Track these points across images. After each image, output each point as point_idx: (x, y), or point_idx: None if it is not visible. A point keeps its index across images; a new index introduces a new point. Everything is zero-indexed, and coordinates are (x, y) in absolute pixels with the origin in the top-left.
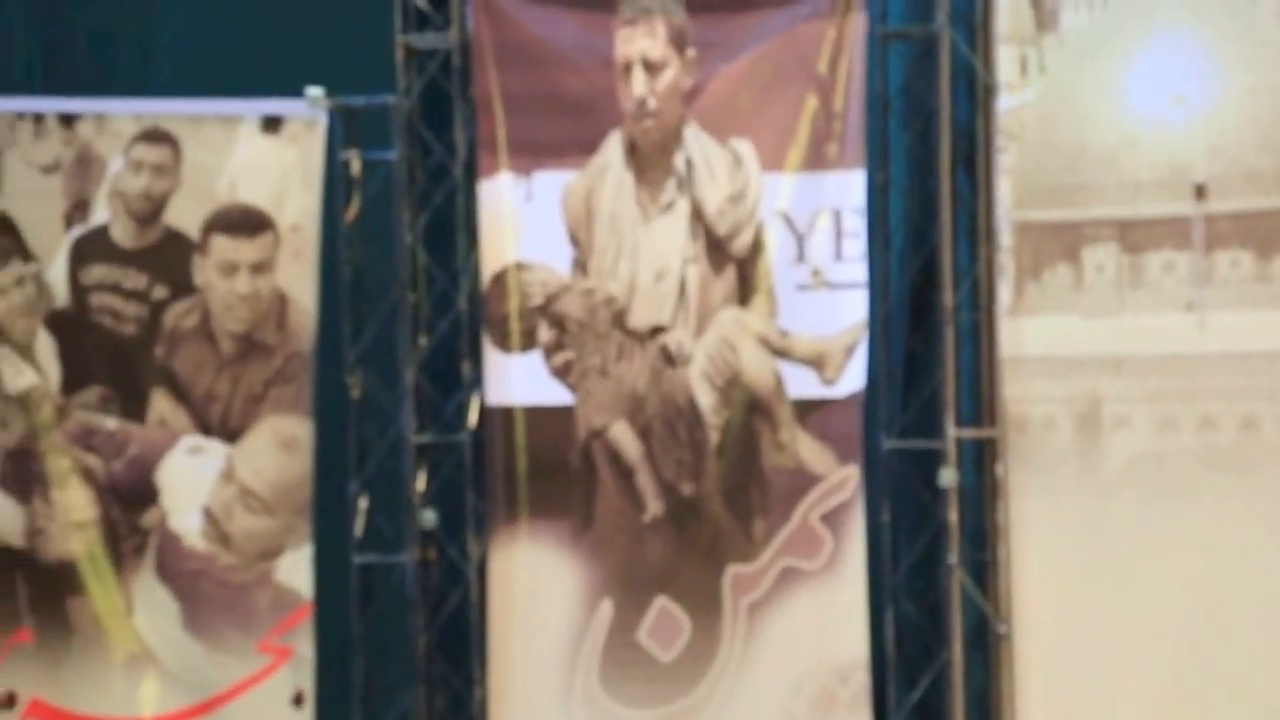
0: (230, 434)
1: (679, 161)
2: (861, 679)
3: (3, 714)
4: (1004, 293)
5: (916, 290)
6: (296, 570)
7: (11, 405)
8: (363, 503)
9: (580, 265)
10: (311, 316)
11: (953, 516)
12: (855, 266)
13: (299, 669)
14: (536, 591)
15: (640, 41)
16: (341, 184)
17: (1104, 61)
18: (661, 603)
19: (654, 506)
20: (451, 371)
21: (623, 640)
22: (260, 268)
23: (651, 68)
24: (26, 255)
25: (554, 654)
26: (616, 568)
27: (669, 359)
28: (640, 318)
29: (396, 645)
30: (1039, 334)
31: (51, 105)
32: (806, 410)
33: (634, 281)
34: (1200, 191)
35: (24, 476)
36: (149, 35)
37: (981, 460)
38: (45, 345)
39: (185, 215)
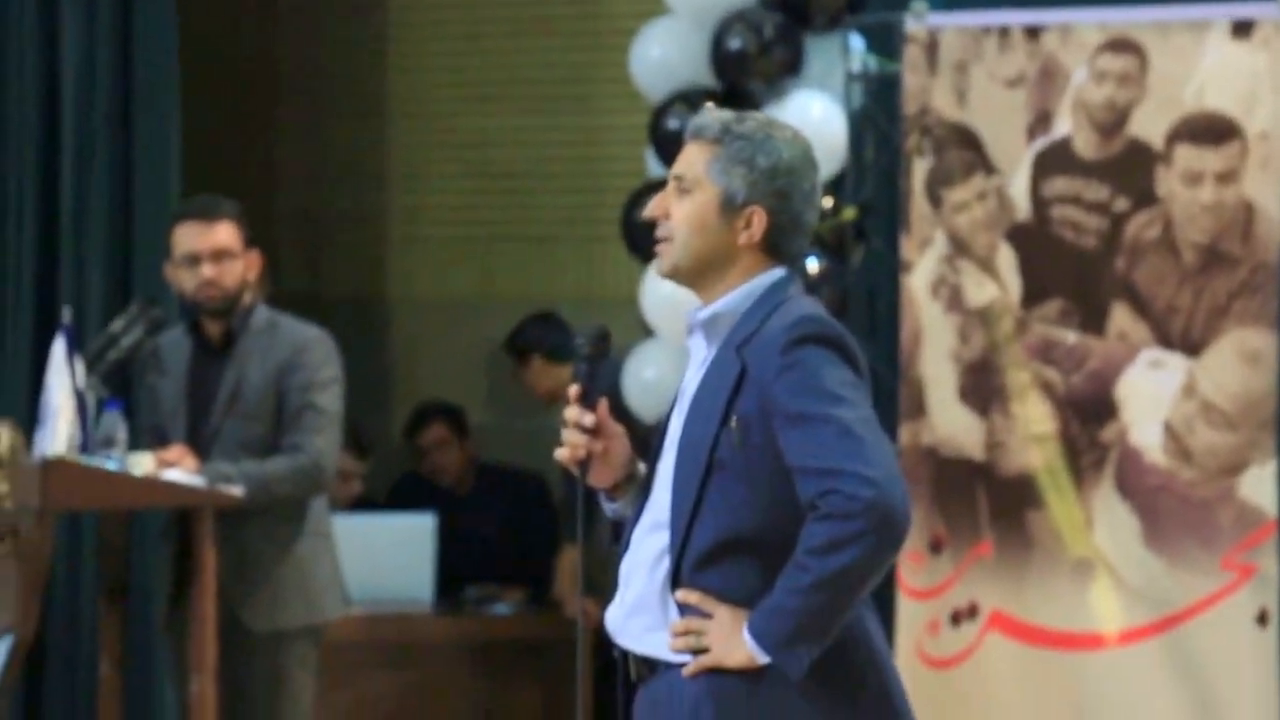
0: (1192, 347)
1: None
2: None
3: (965, 623)
4: None
5: None
6: (1260, 486)
7: (973, 319)
8: None
9: None
10: (1278, 226)
11: None
12: None
13: (1263, 587)
14: None
15: None
16: None
17: None
18: None
19: None
20: None
21: None
22: (1226, 177)
23: None
24: (990, 169)
25: None
26: None
27: None
28: None
29: None
30: None
31: (1017, 18)
32: None
33: None
34: None
35: (984, 390)
36: None
37: None
38: (1006, 259)
39: (1149, 125)
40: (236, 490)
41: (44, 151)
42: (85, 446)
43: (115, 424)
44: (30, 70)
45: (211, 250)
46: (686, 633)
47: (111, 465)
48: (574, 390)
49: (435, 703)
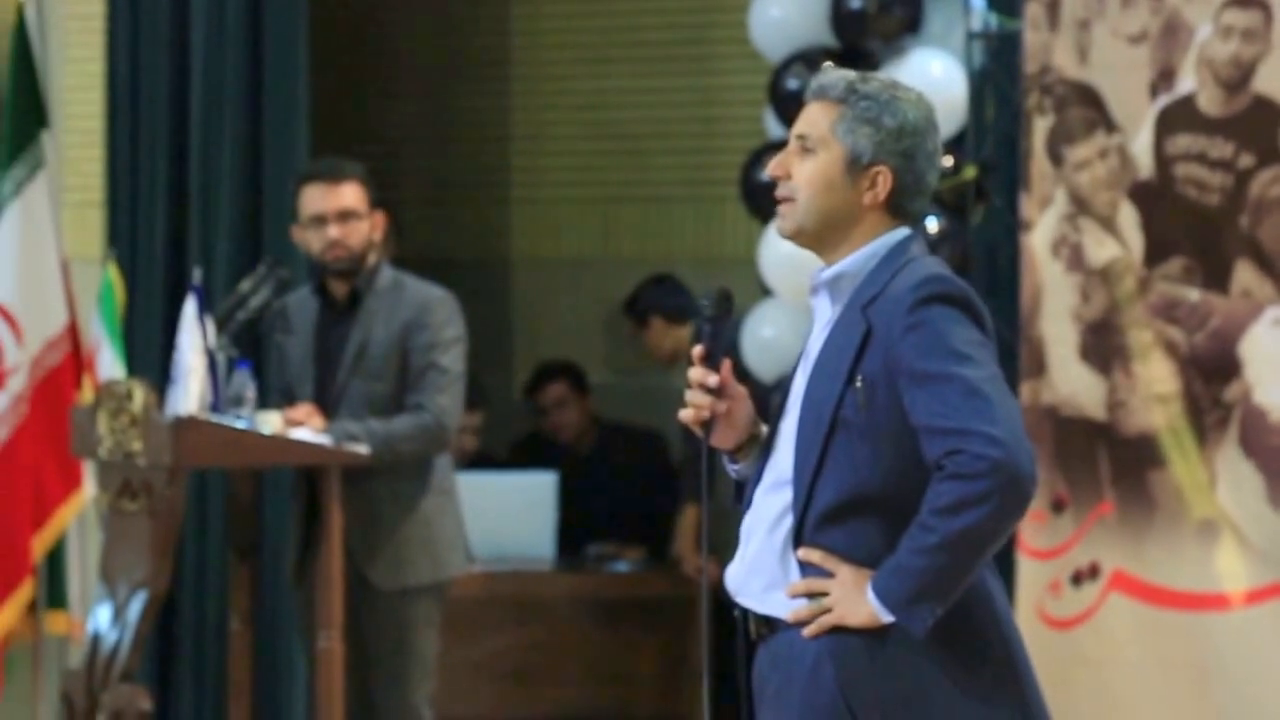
0: None
1: None
2: None
3: (1087, 583)
4: None
5: None
6: None
7: (1094, 278)
8: None
9: None
10: None
11: None
12: None
13: None
14: None
15: None
16: None
17: None
18: None
19: None
20: None
21: None
22: None
23: None
24: (1111, 127)
25: None
26: None
27: None
28: None
29: None
30: None
31: None
32: None
33: None
34: None
35: (1105, 349)
36: None
37: None
38: (1128, 217)
39: (1274, 81)
40: (362, 449)
41: (174, 115)
42: (216, 405)
43: (245, 383)
44: (161, 35)
45: (337, 211)
46: (808, 592)
47: (241, 424)
48: (698, 351)
49: (556, 659)
